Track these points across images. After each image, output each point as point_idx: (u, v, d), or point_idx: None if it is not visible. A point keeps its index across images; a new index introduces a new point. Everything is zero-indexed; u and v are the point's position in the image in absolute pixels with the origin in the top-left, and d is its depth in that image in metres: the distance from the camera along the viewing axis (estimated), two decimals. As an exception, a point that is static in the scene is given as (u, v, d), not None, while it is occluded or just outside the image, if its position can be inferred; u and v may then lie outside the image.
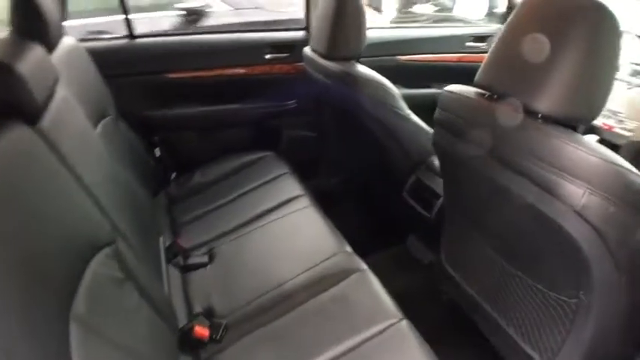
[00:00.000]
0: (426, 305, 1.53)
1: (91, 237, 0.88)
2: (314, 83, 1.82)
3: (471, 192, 1.19)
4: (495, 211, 1.11)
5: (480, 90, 1.04)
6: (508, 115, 0.93)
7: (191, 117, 2.08)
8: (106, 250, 0.90)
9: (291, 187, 1.68)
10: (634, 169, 0.79)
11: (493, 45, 0.99)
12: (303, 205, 1.55)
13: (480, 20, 2.39)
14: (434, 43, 2.33)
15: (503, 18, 2.34)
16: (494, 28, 2.31)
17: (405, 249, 1.85)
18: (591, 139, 0.93)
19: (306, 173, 1.84)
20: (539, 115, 0.88)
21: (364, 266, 1.25)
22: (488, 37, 2.35)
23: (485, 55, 2.16)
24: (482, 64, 1.01)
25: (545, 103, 0.86)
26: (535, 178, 0.88)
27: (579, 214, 0.81)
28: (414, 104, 1.66)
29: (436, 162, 1.60)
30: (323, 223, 1.45)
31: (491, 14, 2.39)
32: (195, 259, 1.42)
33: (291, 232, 1.46)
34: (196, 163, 1.96)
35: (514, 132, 0.92)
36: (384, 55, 2.22)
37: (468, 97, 1.05)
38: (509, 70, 0.94)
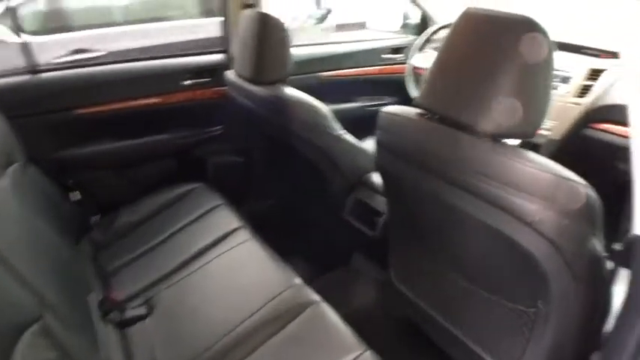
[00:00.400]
0: (379, 323, 1.51)
1: (13, 317, 0.76)
2: (239, 107, 1.75)
3: (419, 211, 1.18)
4: (446, 230, 1.11)
5: (420, 110, 1.03)
6: (450, 134, 0.93)
7: (108, 154, 1.93)
8: (33, 328, 0.78)
9: (227, 219, 1.58)
10: (583, 181, 0.81)
11: (431, 65, 0.98)
12: (244, 239, 1.45)
13: (395, 32, 2.45)
14: (353, 58, 2.36)
15: (417, 29, 2.41)
16: (410, 39, 2.36)
17: (349, 269, 1.82)
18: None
19: (237, 200, 1.76)
20: (482, 134, 0.89)
21: (317, 298, 1.20)
22: (404, 48, 2.41)
23: (404, 66, 2.18)
24: (423, 85, 1.01)
25: (487, 121, 0.87)
26: (485, 195, 0.88)
27: (535, 229, 0.82)
28: (340, 119, 1.64)
29: (373, 179, 1.59)
30: (267, 256, 1.37)
31: (405, 26, 2.46)
32: (132, 312, 1.28)
33: (236, 269, 1.37)
34: (119, 203, 1.80)
35: (458, 151, 0.92)
36: (306, 72, 2.19)
37: (409, 118, 1.04)
38: (449, 91, 0.94)
